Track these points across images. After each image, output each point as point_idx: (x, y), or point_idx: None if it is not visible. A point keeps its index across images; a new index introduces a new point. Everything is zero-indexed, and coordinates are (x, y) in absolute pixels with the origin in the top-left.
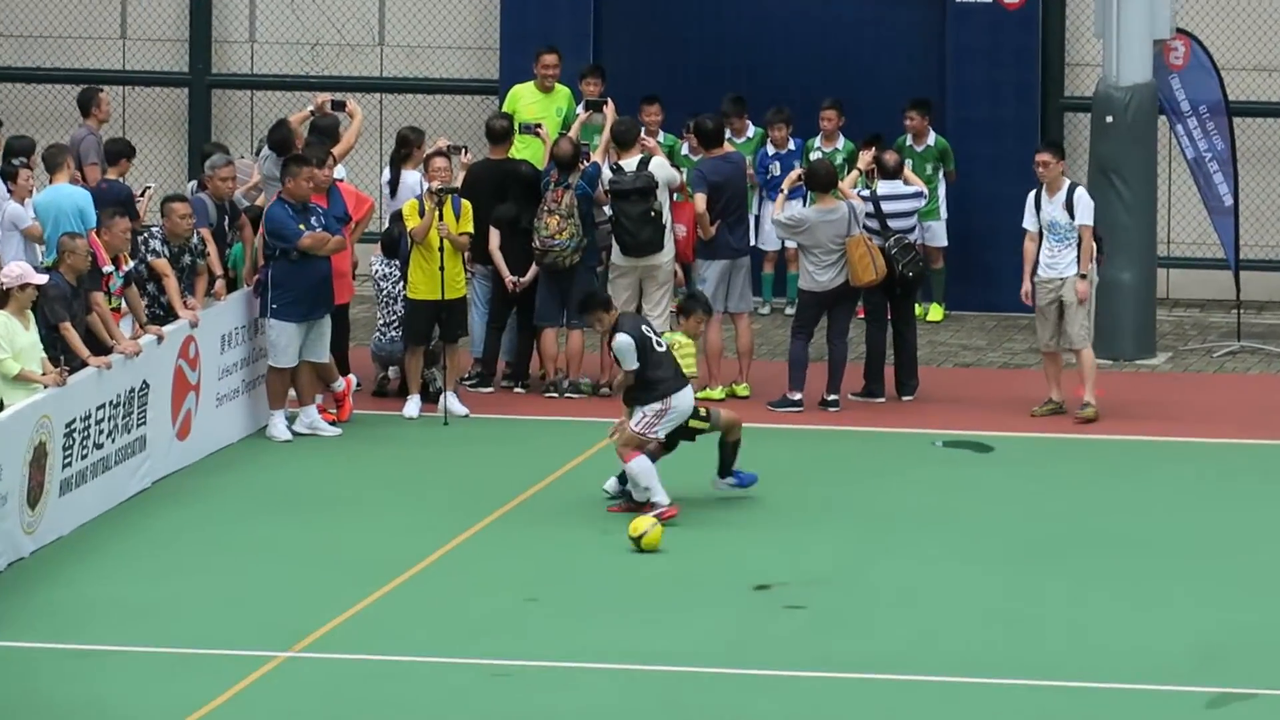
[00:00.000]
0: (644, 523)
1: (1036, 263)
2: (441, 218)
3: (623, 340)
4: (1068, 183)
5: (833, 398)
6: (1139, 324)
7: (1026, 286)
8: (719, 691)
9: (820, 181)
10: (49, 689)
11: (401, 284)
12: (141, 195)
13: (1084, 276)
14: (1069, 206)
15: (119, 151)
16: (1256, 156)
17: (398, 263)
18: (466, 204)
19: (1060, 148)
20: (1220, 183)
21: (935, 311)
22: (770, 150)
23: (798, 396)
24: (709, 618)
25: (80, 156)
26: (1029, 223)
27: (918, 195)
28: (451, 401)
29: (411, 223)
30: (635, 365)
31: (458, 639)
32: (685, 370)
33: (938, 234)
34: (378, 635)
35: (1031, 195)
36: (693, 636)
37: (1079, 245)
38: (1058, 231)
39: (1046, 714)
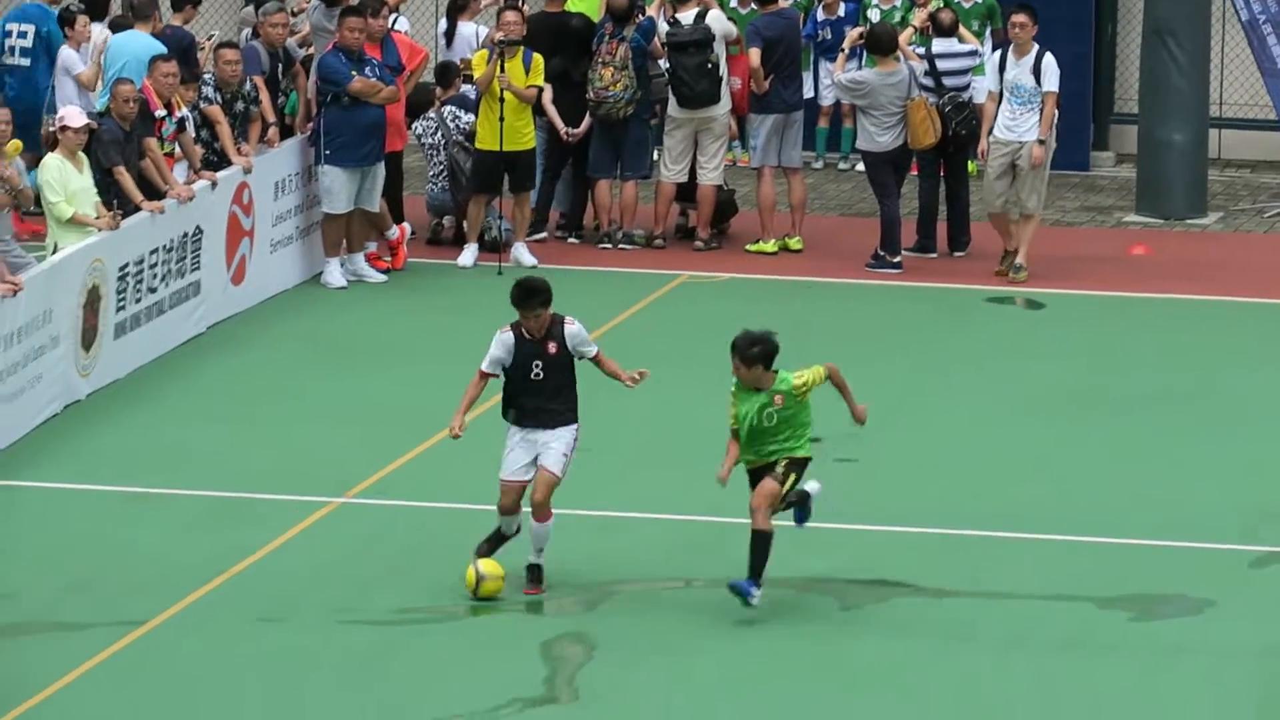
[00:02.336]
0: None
1: (994, 122)
2: (503, 69)
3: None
4: (1037, 47)
5: (883, 254)
6: (1190, 184)
7: (983, 145)
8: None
9: (882, 45)
10: (104, 531)
11: (439, 134)
12: (207, 42)
13: (1043, 143)
14: (1036, 71)
15: None
16: None
17: (433, 115)
18: (538, 58)
19: (1034, 10)
20: (1274, 44)
21: None
22: (820, 15)
23: (898, 259)
24: None
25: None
26: (990, 83)
27: (972, 54)
28: (521, 251)
29: (477, 73)
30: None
31: None
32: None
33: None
34: (428, 483)
35: (996, 55)
36: (745, 488)
37: (1041, 111)
38: (1020, 95)
39: (1089, 569)
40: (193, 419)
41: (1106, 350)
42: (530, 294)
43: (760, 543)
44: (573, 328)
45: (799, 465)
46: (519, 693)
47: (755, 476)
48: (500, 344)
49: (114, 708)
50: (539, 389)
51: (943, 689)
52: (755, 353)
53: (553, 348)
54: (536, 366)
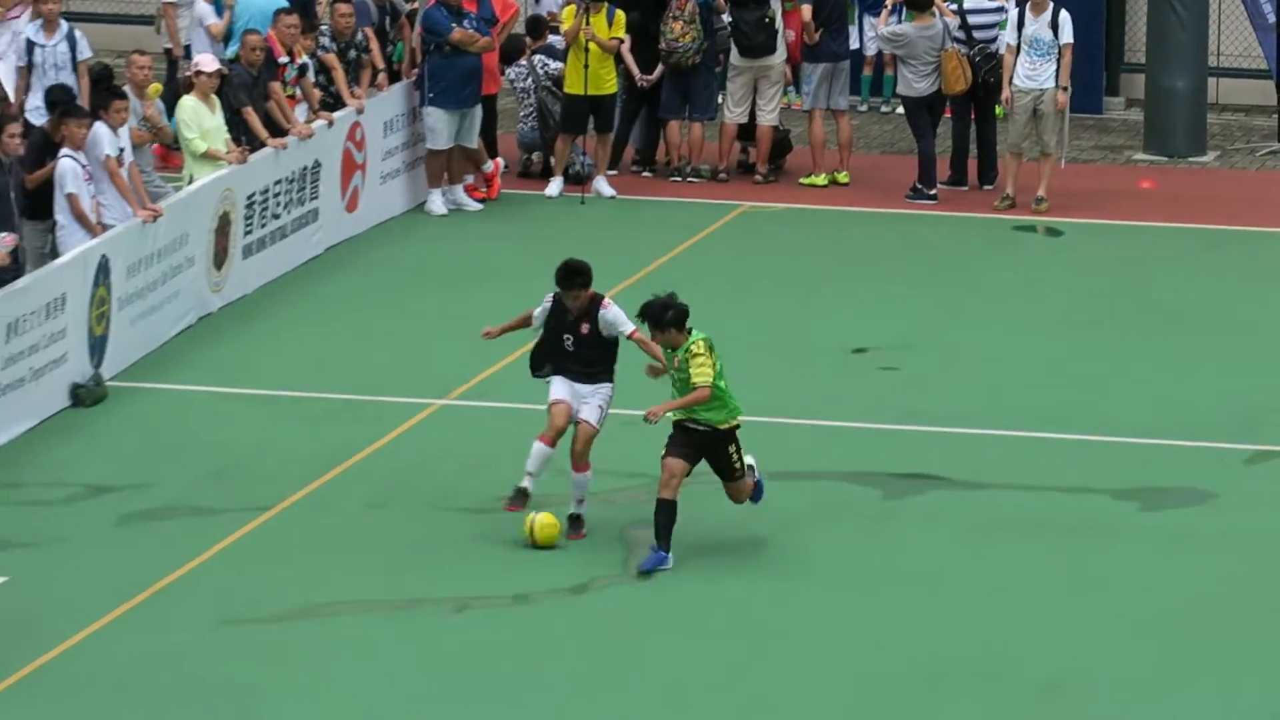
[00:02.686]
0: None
1: (1014, 71)
2: (588, 23)
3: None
4: (1053, 4)
5: (920, 187)
6: (1191, 126)
7: (1006, 94)
8: (816, 440)
9: (919, 2)
10: (233, 428)
11: (530, 79)
12: None
13: (1065, 89)
14: (1053, 25)
15: None
16: None
17: (524, 63)
18: (620, 13)
19: None
20: (1265, 2)
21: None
22: None
23: (933, 191)
24: (812, 377)
25: None
26: (1010, 37)
27: (999, 9)
28: (601, 184)
29: (565, 25)
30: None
31: None
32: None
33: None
34: (518, 387)
35: (1014, 12)
36: (797, 392)
37: (1059, 60)
38: (1040, 47)
39: (1103, 464)
40: (311, 330)
41: (1118, 272)
42: (572, 275)
43: (662, 510)
44: (608, 311)
45: (726, 439)
46: (598, 572)
47: (675, 430)
48: (543, 307)
49: (242, 584)
50: (572, 357)
51: (973, 571)
52: (669, 317)
53: (585, 328)
54: (568, 339)
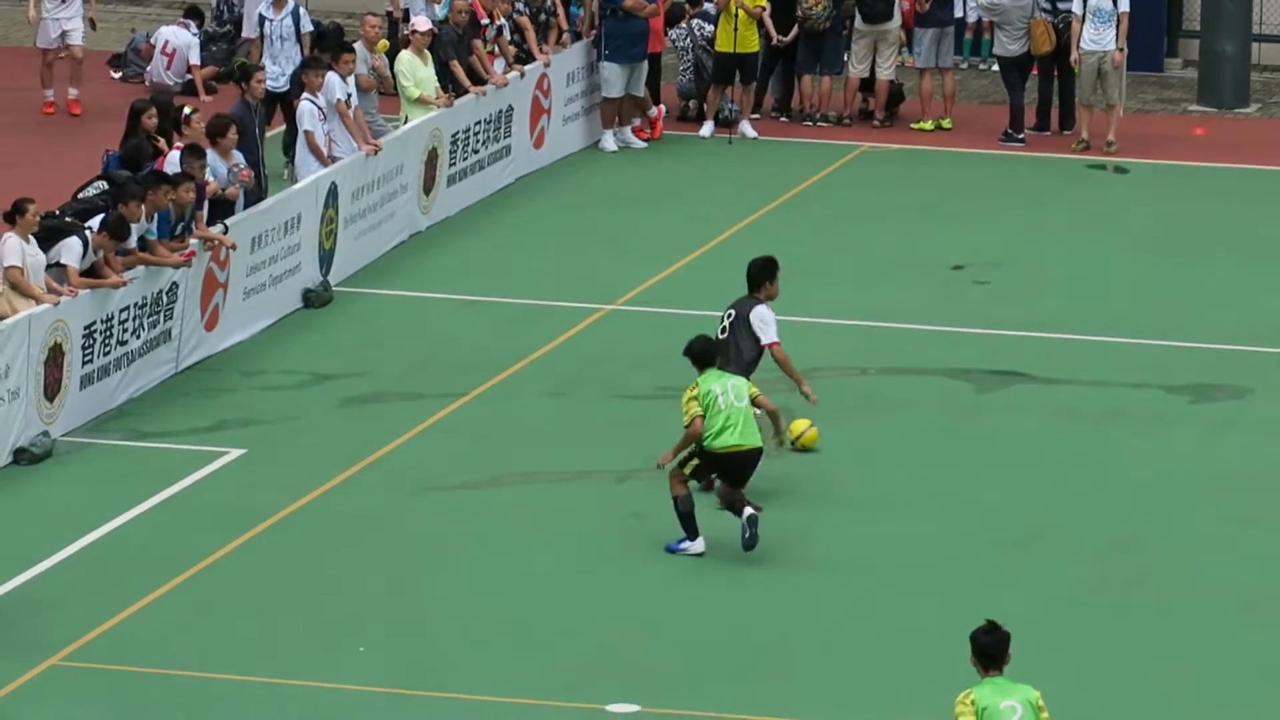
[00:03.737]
0: (802, 424)
1: (1081, 36)
2: None
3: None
4: None
5: (1011, 132)
6: (1236, 82)
7: (1075, 55)
8: (922, 341)
9: None
10: (437, 328)
11: (689, 39)
12: None
13: (1122, 50)
14: None
15: None
16: None
17: (684, 25)
18: None
19: None
20: None
21: None
22: None
23: (1022, 135)
24: (919, 288)
25: None
26: (1076, 8)
27: None
28: (745, 127)
29: None
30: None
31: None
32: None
33: None
34: (676, 295)
35: None
36: (907, 301)
37: (1118, 26)
38: (1102, 15)
39: (1160, 364)
40: (503, 246)
41: (1174, 203)
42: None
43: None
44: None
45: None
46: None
47: (726, 459)
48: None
49: (440, 456)
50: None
51: (1051, 452)
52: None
53: None
54: None
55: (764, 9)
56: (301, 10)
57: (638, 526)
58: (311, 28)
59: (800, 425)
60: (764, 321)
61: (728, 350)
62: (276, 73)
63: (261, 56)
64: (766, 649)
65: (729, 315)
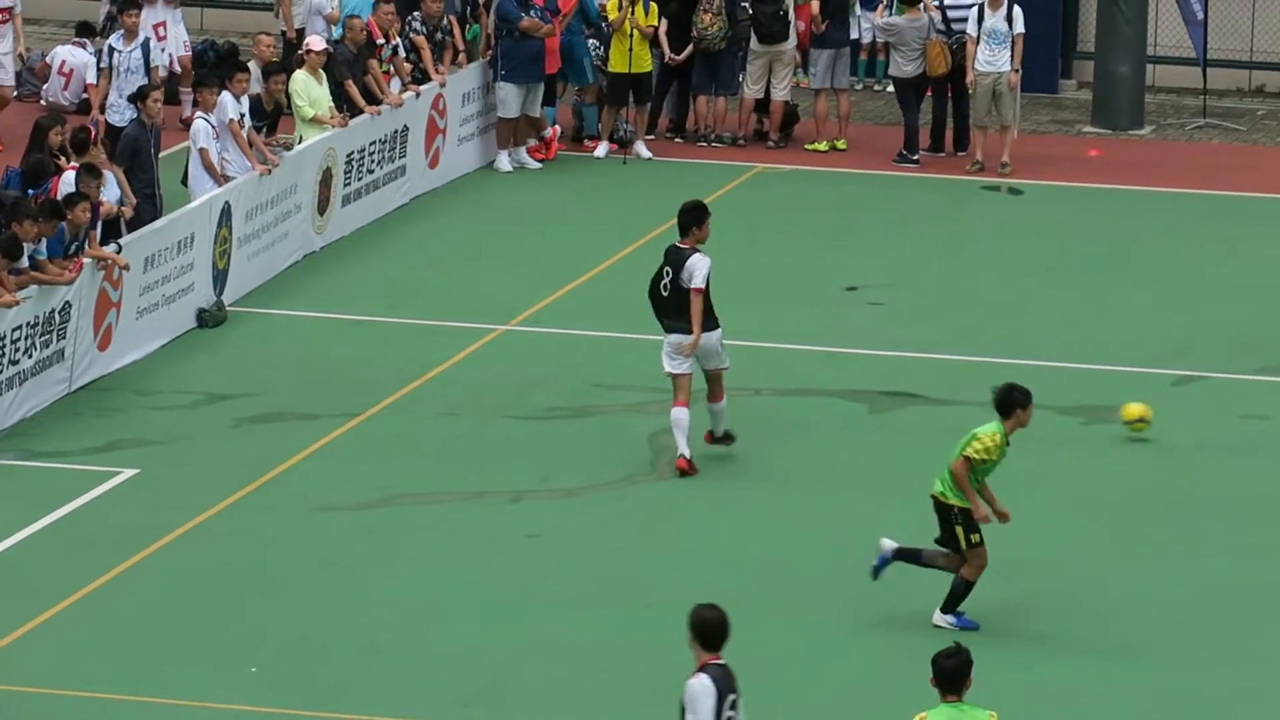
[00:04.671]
0: (1137, 409)
1: (976, 58)
2: (633, 13)
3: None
4: (1007, 0)
5: (906, 153)
6: (1132, 103)
7: (970, 77)
8: (811, 363)
9: None
10: (332, 348)
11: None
12: None
13: (1017, 71)
14: (1009, 19)
15: None
16: None
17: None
18: (654, 4)
19: None
20: (1194, 1)
21: None
22: None
23: (916, 157)
24: (812, 309)
25: None
26: (971, 29)
27: (973, 5)
28: (640, 147)
29: (612, 15)
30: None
31: (640, 319)
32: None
33: None
34: (571, 316)
35: (975, 8)
36: (799, 322)
37: (1013, 47)
38: (997, 37)
39: (1052, 386)
40: (397, 266)
41: (1068, 225)
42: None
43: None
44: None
45: None
46: (632, 470)
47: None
48: None
49: (335, 477)
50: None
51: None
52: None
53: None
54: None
55: (656, 28)
56: (153, 44)
57: (532, 546)
58: (164, 61)
59: (1135, 410)
60: (692, 270)
61: (674, 310)
62: (121, 105)
63: (110, 86)
64: (664, 670)
65: (667, 273)
